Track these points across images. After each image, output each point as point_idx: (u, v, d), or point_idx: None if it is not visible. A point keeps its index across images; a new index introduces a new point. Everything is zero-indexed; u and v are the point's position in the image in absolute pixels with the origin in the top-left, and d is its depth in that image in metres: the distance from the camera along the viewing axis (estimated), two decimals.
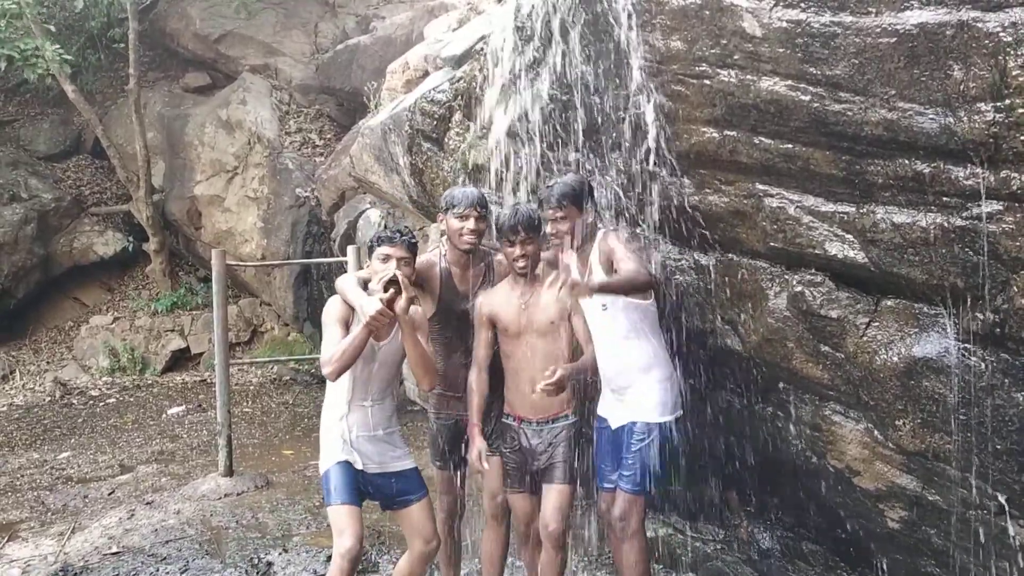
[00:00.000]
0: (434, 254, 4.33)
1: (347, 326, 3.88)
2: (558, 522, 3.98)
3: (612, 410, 4.08)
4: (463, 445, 4.27)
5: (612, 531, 4.04)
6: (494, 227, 4.13)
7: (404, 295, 3.71)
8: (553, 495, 4.02)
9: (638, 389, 3.96)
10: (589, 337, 4.06)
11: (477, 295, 4.21)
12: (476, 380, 4.16)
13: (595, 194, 4.10)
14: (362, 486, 3.90)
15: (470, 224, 4.13)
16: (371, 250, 3.95)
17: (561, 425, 4.09)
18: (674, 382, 4.04)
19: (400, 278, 3.70)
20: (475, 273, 4.28)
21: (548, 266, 4.12)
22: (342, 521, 3.77)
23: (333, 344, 3.78)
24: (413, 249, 3.94)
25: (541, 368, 3.95)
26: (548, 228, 3.98)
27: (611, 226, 4.15)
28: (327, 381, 3.97)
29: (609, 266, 3.87)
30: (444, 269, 4.24)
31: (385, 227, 7.90)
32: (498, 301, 4.10)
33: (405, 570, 3.98)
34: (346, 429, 3.89)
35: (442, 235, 4.37)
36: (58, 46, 11.12)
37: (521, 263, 4.01)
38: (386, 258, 3.86)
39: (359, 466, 3.87)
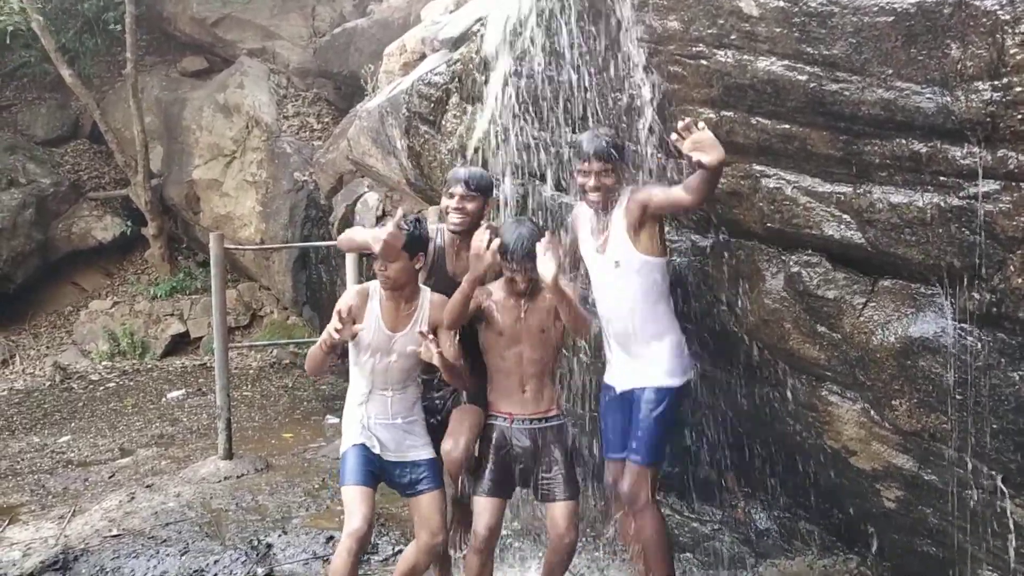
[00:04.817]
0: (432, 230, 4.18)
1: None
2: (574, 532, 3.96)
3: (619, 375, 3.99)
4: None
5: (622, 506, 3.97)
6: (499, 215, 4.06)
7: (451, 346, 3.84)
8: (561, 510, 3.96)
9: (649, 354, 3.88)
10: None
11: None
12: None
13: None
14: (378, 470, 3.91)
15: (453, 202, 4.00)
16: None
17: (553, 425, 4.02)
18: (684, 347, 3.97)
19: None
20: (469, 257, 4.09)
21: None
22: (352, 502, 3.79)
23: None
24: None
25: (531, 373, 3.97)
26: (591, 181, 3.82)
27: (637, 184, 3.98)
28: (349, 366, 4.00)
29: (637, 222, 3.76)
30: (439, 247, 4.12)
31: (385, 210, 7.88)
32: (496, 303, 3.98)
33: (411, 559, 3.97)
34: (364, 415, 3.92)
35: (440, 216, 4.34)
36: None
37: (522, 286, 3.91)
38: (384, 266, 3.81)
39: (376, 450, 3.88)
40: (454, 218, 4.02)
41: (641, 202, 3.76)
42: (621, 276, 3.84)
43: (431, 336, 3.74)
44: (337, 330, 3.69)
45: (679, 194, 3.61)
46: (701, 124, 3.43)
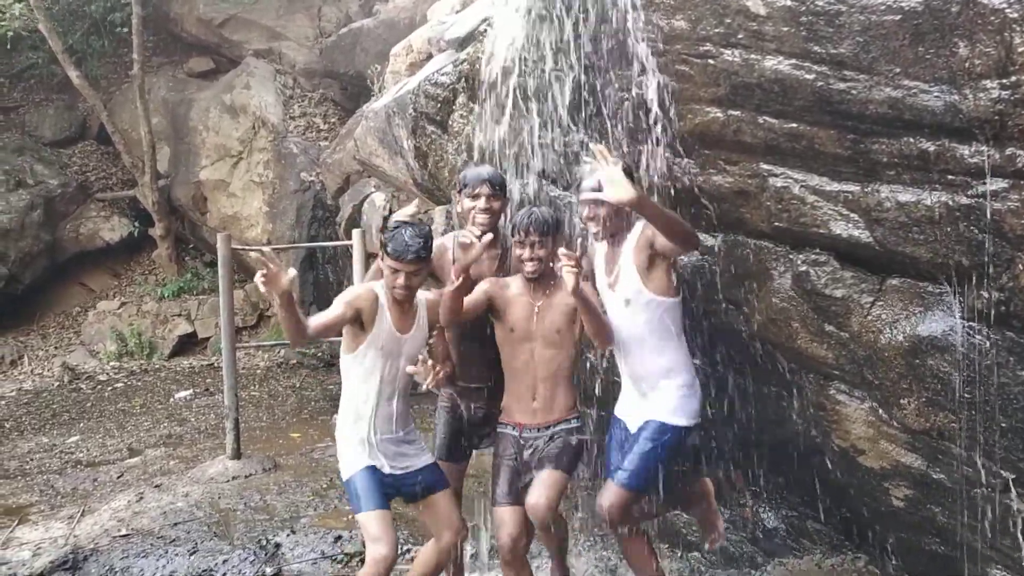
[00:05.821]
0: (448, 238, 4.12)
1: (356, 313, 3.74)
2: (546, 499, 3.77)
3: (630, 413, 3.93)
4: (472, 436, 4.18)
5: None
6: (507, 220, 3.97)
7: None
8: (543, 476, 3.84)
9: (658, 392, 3.83)
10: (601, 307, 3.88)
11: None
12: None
13: (634, 177, 3.86)
14: (387, 487, 3.81)
15: (481, 203, 3.90)
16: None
17: (562, 428, 3.94)
18: (696, 389, 3.89)
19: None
20: (490, 257, 4.04)
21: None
22: (375, 528, 3.69)
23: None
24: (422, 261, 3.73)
25: (543, 376, 3.88)
26: (585, 212, 3.82)
27: None
28: (344, 374, 3.89)
29: (648, 255, 3.72)
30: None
31: (391, 210, 7.90)
32: (511, 297, 3.92)
33: (432, 559, 3.91)
34: (370, 431, 3.80)
35: (448, 218, 4.33)
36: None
37: (530, 267, 3.83)
38: (394, 272, 3.69)
39: (386, 470, 3.79)
40: (481, 219, 3.93)
41: (649, 237, 3.70)
42: (630, 313, 3.79)
43: (424, 364, 3.70)
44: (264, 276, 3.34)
45: (683, 223, 3.60)
46: (614, 158, 3.43)
